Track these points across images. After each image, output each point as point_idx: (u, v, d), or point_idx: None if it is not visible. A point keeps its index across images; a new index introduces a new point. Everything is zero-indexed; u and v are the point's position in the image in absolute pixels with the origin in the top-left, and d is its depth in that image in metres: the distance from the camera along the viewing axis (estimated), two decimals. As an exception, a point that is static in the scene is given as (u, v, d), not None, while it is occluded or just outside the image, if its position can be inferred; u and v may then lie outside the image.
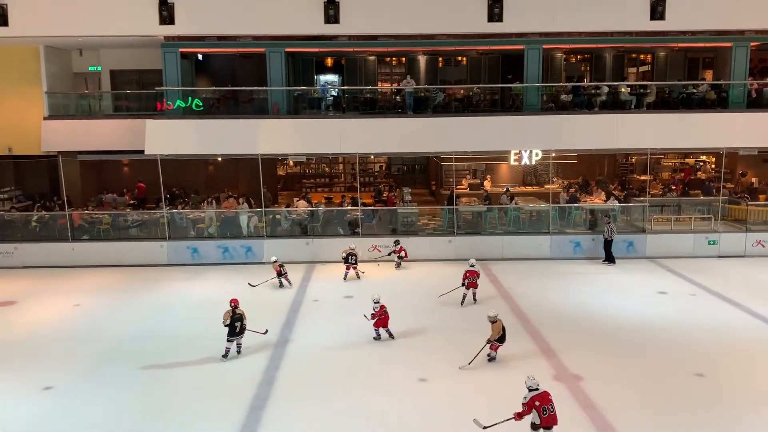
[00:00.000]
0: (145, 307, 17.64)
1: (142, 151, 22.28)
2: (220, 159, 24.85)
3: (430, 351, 14.20)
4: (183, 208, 23.46)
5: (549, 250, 22.01)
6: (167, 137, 22.10)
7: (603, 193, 24.45)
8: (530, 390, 9.75)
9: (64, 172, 22.53)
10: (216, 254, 21.88)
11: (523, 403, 9.73)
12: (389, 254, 21.32)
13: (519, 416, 9.79)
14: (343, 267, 19.78)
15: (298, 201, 24.18)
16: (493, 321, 13.31)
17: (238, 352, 14.08)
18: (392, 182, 29.53)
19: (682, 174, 27.51)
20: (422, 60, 27.28)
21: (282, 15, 22.22)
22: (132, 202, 24.98)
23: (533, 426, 9.71)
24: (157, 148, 21.75)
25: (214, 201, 23.93)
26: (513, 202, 23.32)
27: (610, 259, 21.24)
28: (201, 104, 23.10)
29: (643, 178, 25.68)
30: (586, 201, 23.86)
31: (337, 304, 17.50)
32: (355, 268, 19.79)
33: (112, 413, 11.56)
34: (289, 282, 19.25)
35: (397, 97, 23.81)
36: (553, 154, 23.67)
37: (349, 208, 23.48)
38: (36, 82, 24.22)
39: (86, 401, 12.04)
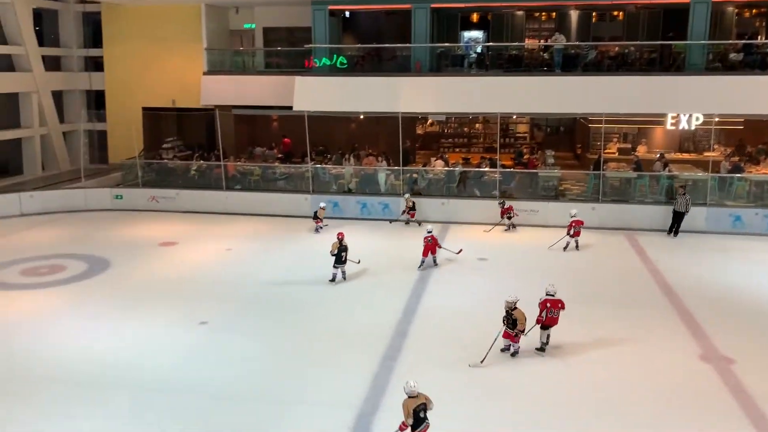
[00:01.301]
0: (289, 254, 18.59)
1: (290, 107, 23.20)
2: (362, 116, 25.31)
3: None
4: (326, 164, 24.26)
5: (705, 222, 20.32)
6: (314, 94, 22.82)
7: (772, 163, 22.08)
8: (547, 294, 12.07)
9: (220, 125, 24.03)
10: (355, 209, 22.49)
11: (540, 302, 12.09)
12: (502, 218, 20.71)
13: (537, 321, 12.07)
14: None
15: (435, 161, 24.13)
16: (512, 308, 11.64)
17: (344, 278, 16.01)
18: (534, 144, 28.55)
19: None
20: (574, 15, 25.80)
21: (430, -30, 21.91)
22: (280, 156, 26.20)
23: (542, 326, 12.11)
24: (305, 104, 22.54)
25: (353, 157, 24.52)
26: (667, 169, 21.71)
27: (674, 231, 19.78)
28: (345, 62, 23.54)
29: (823, 148, 22.83)
30: (751, 171, 21.69)
31: (471, 266, 17.39)
32: (413, 216, 21.10)
33: (256, 350, 12.40)
34: (318, 228, 20.56)
35: (545, 55, 22.79)
36: (716, 119, 21.62)
37: (487, 169, 23.07)
38: (197, 39, 25.92)
39: (234, 338, 12.99)
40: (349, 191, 23.28)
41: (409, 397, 8.63)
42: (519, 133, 30.14)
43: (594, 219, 20.63)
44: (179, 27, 26.23)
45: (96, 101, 30.20)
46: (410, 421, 8.50)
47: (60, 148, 29.00)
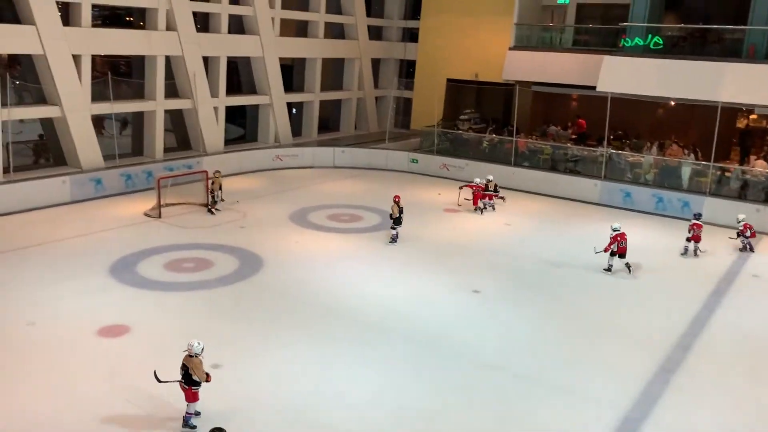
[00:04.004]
0: (570, 238, 18.04)
1: (591, 87, 22.19)
2: (672, 103, 23.12)
3: None
4: (624, 150, 22.82)
5: None
6: (622, 75, 21.48)
7: None
8: (614, 230, 15.21)
9: (518, 101, 24.02)
10: (649, 202, 20.83)
11: (611, 237, 15.13)
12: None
13: (607, 249, 15.23)
14: None
15: (756, 160, 21.05)
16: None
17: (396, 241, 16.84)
18: None
19: None
20: None
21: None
22: (574, 136, 25.35)
23: (612, 252, 15.21)
24: (610, 85, 21.36)
25: (656, 147, 22.61)
26: None
27: None
28: (661, 42, 21.61)
29: None
30: None
31: (785, 287, 14.97)
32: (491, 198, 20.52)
33: (524, 327, 12.39)
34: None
35: None
36: None
37: (823, 177, 19.43)
38: (508, 14, 26.04)
39: (504, 311, 13.14)
40: (646, 182, 21.64)
41: (197, 356, 8.83)
42: None
43: None
44: (493, 1, 26.70)
45: (406, 70, 32.51)
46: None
47: (371, 111, 31.97)
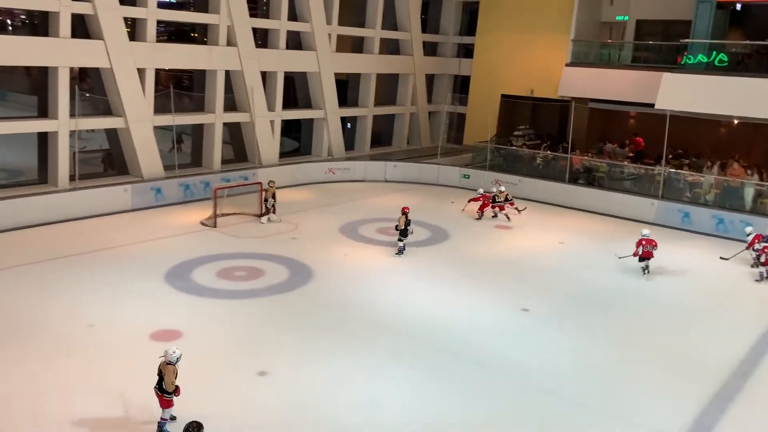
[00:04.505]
0: (624, 258, 17.61)
1: (650, 105, 21.71)
2: (735, 121, 22.37)
3: None
4: (683, 169, 22.18)
5: None
6: (682, 93, 20.95)
7: None
8: (642, 236, 15.82)
9: (574, 118, 23.68)
10: (709, 224, 20.16)
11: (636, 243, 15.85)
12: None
13: (635, 254, 15.87)
14: None
15: (826, 182, 20.14)
16: None
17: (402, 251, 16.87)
18: None
19: None
20: None
21: None
22: (631, 154, 24.81)
23: (640, 258, 15.76)
24: (670, 103, 20.86)
25: (717, 166, 21.89)
26: None
27: None
28: (726, 59, 20.98)
29: None
30: None
31: None
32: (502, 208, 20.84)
33: (575, 349, 12.14)
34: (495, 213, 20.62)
35: None
36: None
37: None
38: (565, 30, 25.81)
39: (554, 331, 12.90)
40: (706, 203, 20.97)
41: (171, 363, 8.89)
42: None
43: None
44: (550, 18, 26.48)
45: (461, 86, 32.48)
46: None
47: (424, 126, 32.05)
